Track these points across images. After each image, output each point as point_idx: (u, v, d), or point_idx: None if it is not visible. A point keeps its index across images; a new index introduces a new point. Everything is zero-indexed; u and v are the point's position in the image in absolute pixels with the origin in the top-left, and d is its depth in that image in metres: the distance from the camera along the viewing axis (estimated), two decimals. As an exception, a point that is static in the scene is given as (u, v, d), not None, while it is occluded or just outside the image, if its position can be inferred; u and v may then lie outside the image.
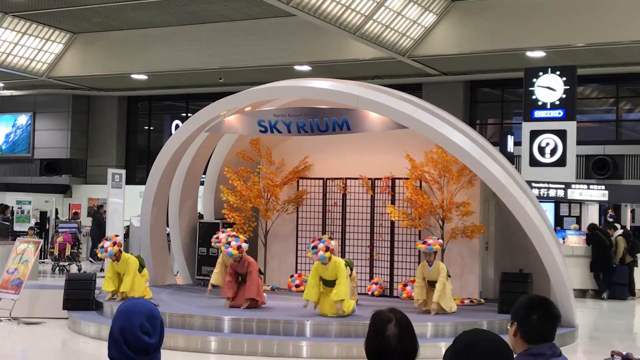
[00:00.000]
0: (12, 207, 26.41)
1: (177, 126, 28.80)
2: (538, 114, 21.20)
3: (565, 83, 20.97)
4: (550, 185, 19.47)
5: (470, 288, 14.03)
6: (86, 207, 31.09)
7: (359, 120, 13.32)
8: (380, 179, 14.73)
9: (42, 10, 25.31)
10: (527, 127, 21.31)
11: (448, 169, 13.67)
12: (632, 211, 22.51)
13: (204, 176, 16.75)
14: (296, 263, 15.58)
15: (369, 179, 14.81)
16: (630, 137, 26.01)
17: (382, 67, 25.34)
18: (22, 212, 26.12)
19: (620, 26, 20.70)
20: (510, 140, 22.74)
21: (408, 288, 14.12)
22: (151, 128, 34.43)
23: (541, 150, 21.01)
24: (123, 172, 21.53)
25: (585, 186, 20.24)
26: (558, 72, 21.12)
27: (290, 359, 10.68)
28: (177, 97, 32.51)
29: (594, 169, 24.35)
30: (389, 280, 14.63)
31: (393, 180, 14.59)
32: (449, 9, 22.67)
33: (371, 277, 14.78)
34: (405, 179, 14.24)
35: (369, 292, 14.53)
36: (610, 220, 21.07)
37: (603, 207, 22.08)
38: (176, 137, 15.16)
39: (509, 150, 22.15)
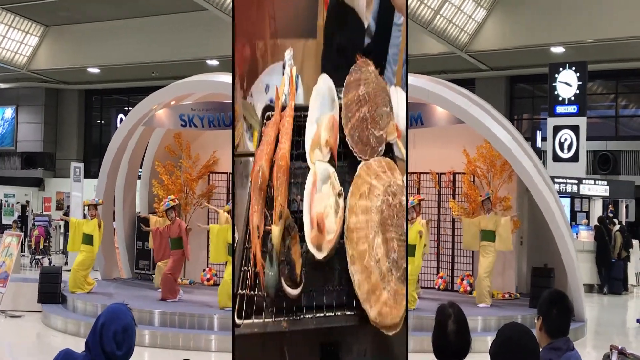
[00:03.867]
0: (1, 200, 25.97)
1: (121, 120, 28.32)
2: (559, 109, 21.16)
3: (579, 79, 20.98)
4: (568, 181, 19.55)
5: (509, 282, 14.17)
6: (55, 200, 30.48)
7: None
8: (444, 173, 14.68)
9: (19, 3, 24.82)
10: (551, 122, 21.25)
11: (493, 164, 13.71)
12: (627, 207, 22.74)
13: (141, 170, 16.53)
14: (207, 257, 15.18)
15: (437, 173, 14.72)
16: (626, 133, 26.27)
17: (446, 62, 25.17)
18: (8, 205, 25.66)
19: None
20: (539, 135, 22.75)
21: (464, 282, 14.21)
22: (103, 122, 33.95)
23: (561, 146, 20.99)
24: (81, 165, 20.90)
25: (592, 182, 20.38)
26: (573, 68, 21.08)
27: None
28: (121, 90, 32.17)
29: (599, 164, 24.60)
30: (450, 275, 14.71)
31: (454, 175, 14.56)
32: (496, 3, 22.68)
33: (437, 272, 14.85)
34: (463, 173, 14.24)
35: (436, 287, 14.64)
36: (611, 215, 21.24)
37: (605, 203, 22.23)
38: (120, 132, 15.27)
39: (537, 145, 22.18)
